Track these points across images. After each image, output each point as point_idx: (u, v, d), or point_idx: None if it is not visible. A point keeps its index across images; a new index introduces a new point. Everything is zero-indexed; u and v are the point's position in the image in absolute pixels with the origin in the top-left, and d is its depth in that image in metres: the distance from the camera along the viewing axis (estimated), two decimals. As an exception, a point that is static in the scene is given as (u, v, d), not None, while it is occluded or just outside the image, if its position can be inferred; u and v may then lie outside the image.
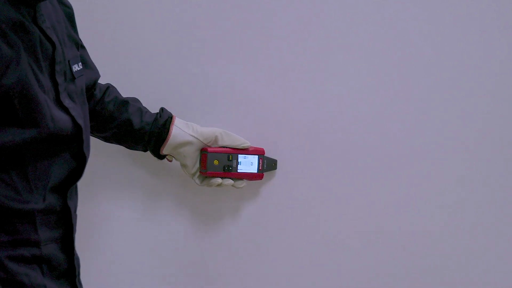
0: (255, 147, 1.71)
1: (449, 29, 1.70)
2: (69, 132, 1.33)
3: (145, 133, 1.62)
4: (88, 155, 1.39)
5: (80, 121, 1.35)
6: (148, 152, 1.67)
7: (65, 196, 1.35)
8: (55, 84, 1.31)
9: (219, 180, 1.67)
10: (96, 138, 1.66)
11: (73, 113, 1.34)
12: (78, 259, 1.40)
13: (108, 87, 1.64)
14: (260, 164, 1.71)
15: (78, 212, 1.40)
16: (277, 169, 1.73)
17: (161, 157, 1.66)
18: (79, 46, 1.48)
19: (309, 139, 1.74)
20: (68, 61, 1.36)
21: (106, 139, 1.65)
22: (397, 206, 1.74)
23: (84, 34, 1.53)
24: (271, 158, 1.72)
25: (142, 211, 1.73)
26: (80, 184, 1.39)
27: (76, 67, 1.39)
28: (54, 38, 1.32)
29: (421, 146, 1.73)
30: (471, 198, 1.73)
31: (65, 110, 1.33)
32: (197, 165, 1.67)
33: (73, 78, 1.37)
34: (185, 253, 1.74)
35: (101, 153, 1.71)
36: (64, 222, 1.36)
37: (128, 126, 1.62)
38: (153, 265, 1.73)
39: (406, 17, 1.69)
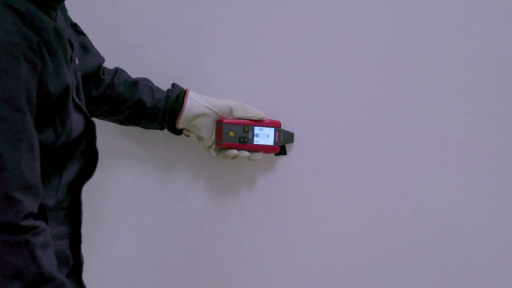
0: (271, 120, 1.69)
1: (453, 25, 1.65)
2: (82, 130, 1.35)
3: (158, 109, 1.61)
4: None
5: (91, 118, 1.36)
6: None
7: (77, 193, 1.38)
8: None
9: (234, 151, 1.65)
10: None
11: (85, 110, 1.35)
12: (82, 256, 1.42)
13: (117, 70, 1.62)
14: (277, 137, 1.68)
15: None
16: (293, 143, 1.70)
17: (178, 132, 1.65)
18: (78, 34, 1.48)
19: (327, 113, 1.70)
20: (70, 57, 1.36)
21: (121, 122, 1.64)
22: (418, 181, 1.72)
23: (87, 22, 1.53)
24: (287, 131, 1.69)
25: (159, 184, 1.73)
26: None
27: (76, 62, 1.39)
28: (72, 40, 1.32)
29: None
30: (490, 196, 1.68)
31: (78, 108, 1.33)
32: (213, 137, 1.66)
33: (75, 73, 1.39)
34: (201, 225, 1.75)
35: (118, 128, 1.70)
36: (73, 218, 1.39)
37: (140, 105, 1.60)
38: (169, 237, 1.75)
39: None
